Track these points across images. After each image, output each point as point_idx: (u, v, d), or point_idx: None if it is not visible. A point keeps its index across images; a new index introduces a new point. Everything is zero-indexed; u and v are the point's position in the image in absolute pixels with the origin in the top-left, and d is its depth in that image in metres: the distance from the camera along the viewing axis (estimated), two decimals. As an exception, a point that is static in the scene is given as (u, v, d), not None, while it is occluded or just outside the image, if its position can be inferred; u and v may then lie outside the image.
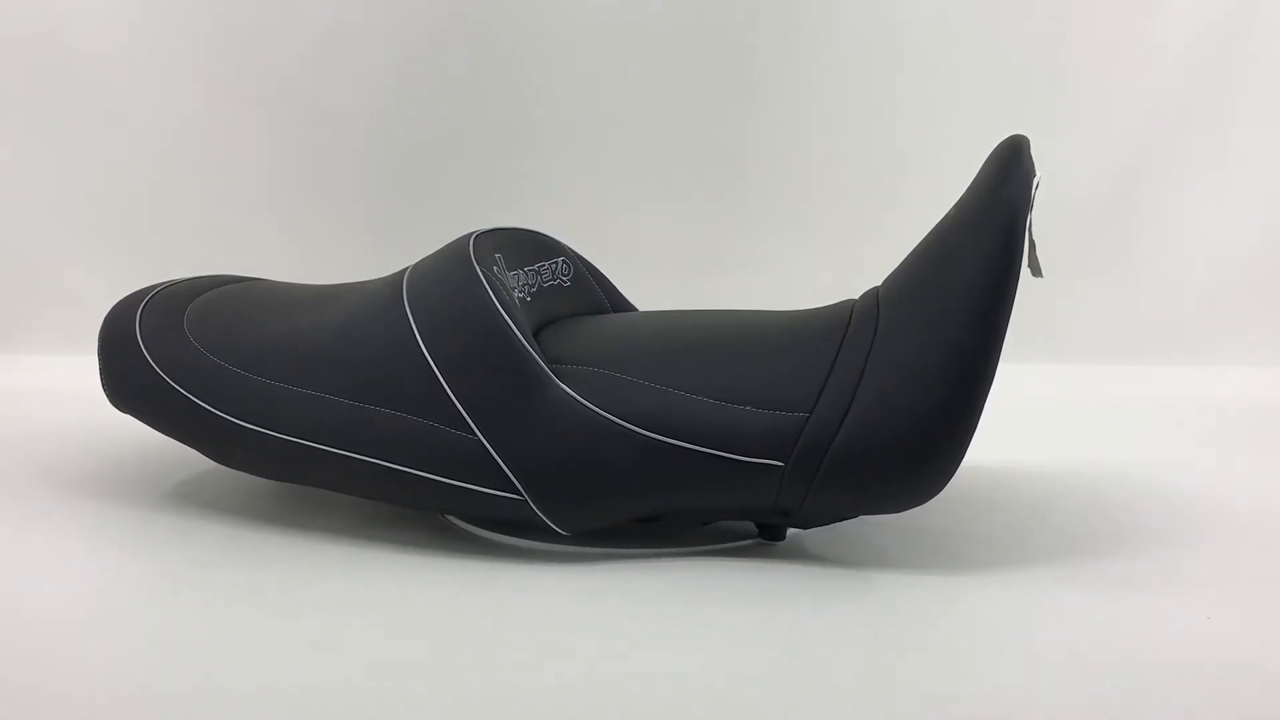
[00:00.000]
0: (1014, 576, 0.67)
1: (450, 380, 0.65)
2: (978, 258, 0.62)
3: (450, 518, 0.74)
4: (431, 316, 0.67)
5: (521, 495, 0.65)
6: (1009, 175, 0.62)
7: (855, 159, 1.23)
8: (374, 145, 1.23)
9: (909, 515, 0.71)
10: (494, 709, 0.52)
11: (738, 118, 1.22)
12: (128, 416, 0.75)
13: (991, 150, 0.66)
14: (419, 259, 0.74)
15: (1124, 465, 0.89)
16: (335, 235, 1.25)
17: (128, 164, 1.22)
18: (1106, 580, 0.66)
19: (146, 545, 0.71)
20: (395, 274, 0.73)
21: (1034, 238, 0.63)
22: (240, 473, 0.74)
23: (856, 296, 0.71)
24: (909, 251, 0.70)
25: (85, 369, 0.76)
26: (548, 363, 0.66)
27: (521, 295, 0.74)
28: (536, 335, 0.71)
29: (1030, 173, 0.62)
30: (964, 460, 0.63)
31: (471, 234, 0.72)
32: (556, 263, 0.79)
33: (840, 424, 0.63)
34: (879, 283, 0.71)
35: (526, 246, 0.78)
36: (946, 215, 0.68)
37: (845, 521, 0.70)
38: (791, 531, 0.71)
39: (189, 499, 0.78)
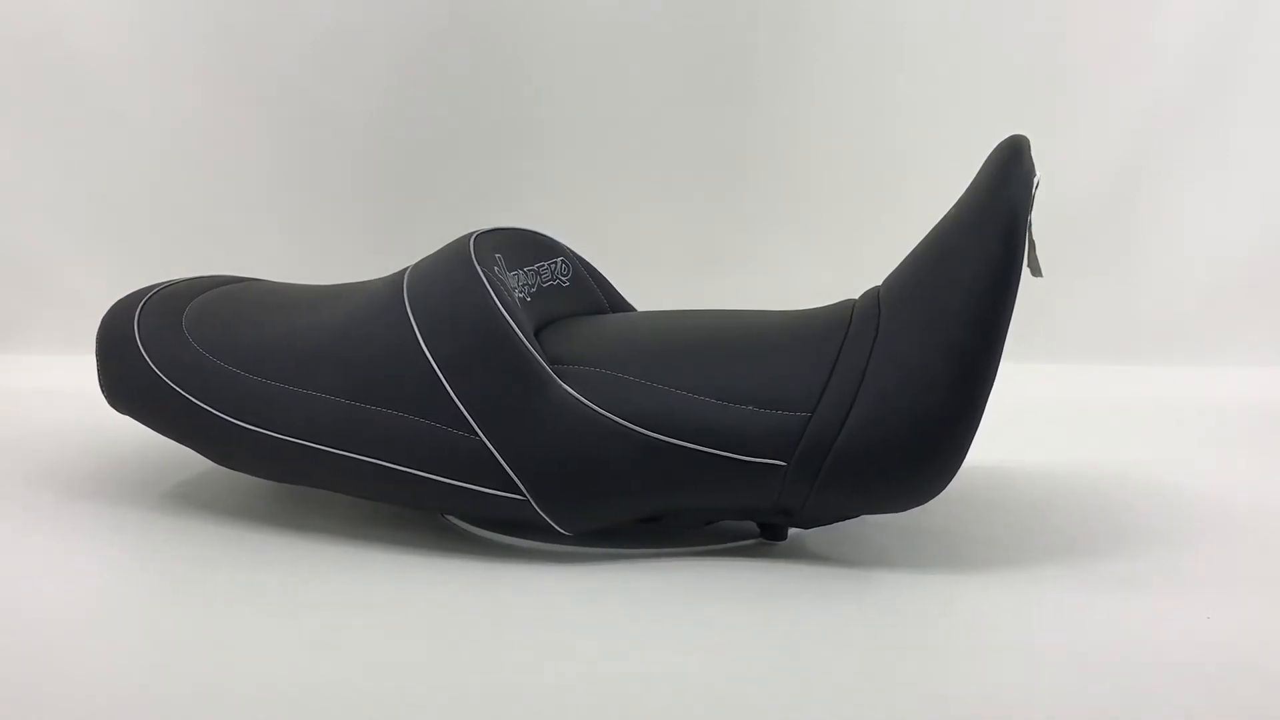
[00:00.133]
0: (1014, 576, 0.67)
1: (451, 380, 0.65)
2: (979, 258, 0.62)
3: (450, 518, 0.74)
4: (432, 316, 0.67)
5: (523, 495, 0.65)
6: (1009, 175, 0.62)
7: (855, 159, 1.23)
8: (374, 145, 1.23)
9: (910, 515, 0.71)
10: (494, 709, 0.52)
11: (738, 118, 1.22)
12: (126, 417, 0.75)
13: (991, 150, 0.66)
14: (419, 259, 0.74)
15: (1124, 465, 0.89)
16: (335, 235, 1.25)
17: (128, 164, 1.22)
18: (1106, 580, 0.66)
19: (146, 545, 0.71)
20: (395, 274, 0.73)
21: (1034, 237, 0.63)
22: (239, 473, 0.74)
23: (856, 296, 0.71)
24: (909, 251, 0.70)
25: (85, 369, 0.76)
26: (549, 363, 0.66)
27: (522, 295, 0.74)
28: (536, 335, 0.71)
29: (1030, 173, 0.62)
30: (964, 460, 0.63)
31: (472, 234, 0.72)
32: (556, 263, 0.79)
33: (842, 424, 0.63)
34: (879, 283, 0.71)
35: (526, 246, 0.78)
36: (946, 215, 0.68)
37: (846, 521, 0.70)
38: (793, 531, 0.71)
39: (188, 499, 0.78)
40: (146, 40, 1.19)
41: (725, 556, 0.69)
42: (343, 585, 0.65)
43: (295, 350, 0.70)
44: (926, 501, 0.65)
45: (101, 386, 0.75)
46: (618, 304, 0.83)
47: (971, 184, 0.67)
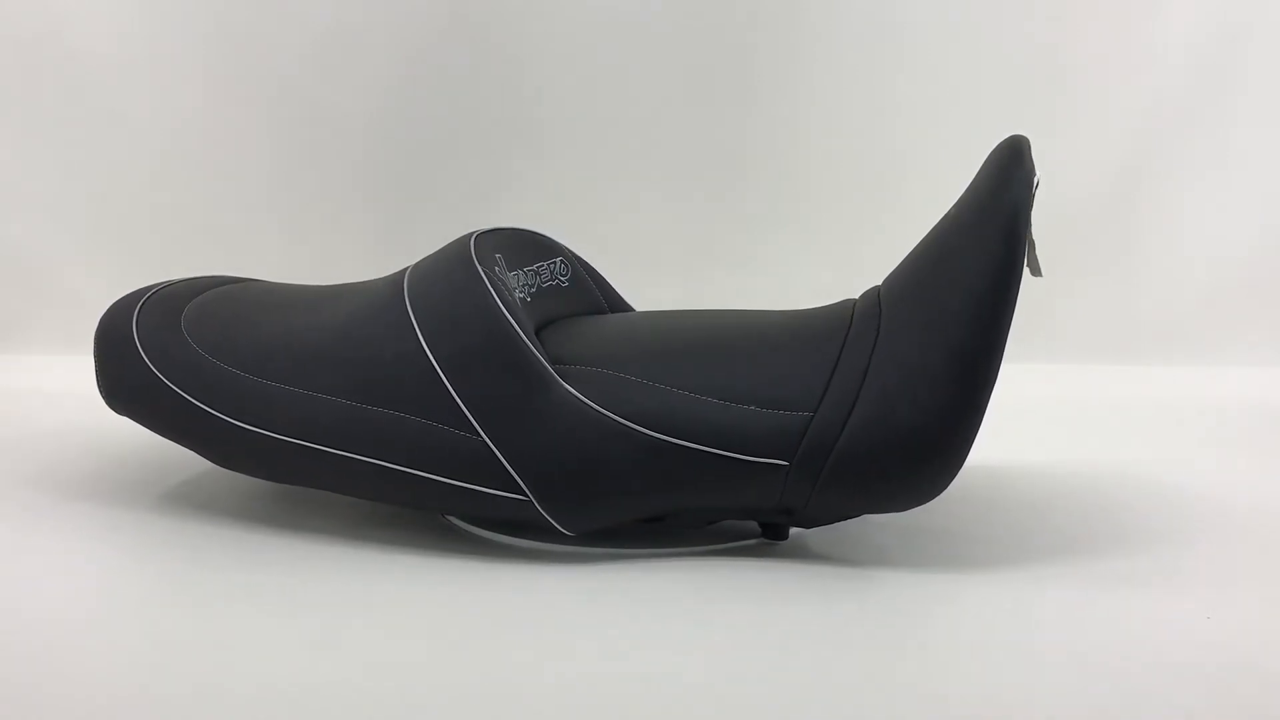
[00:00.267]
0: (1014, 576, 0.67)
1: (453, 380, 0.65)
2: (980, 258, 0.62)
3: (450, 518, 0.74)
4: (433, 316, 0.67)
5: (526, 496, 0.65)
6: (1010, 176, 0.62)
7: (855, 159, 1.23)
8: (374, 145, 1.23)
9: (911, 515, 0.71)
10: (494, 709, 0.52)
11: (737, 118, 1.23)
12: (125, 418, 0.75)
13: (991, 150, 0.66)
14: (419, 259, 0.74)
15: (1124, 465, 0.89)
16: (335, 235, 1.25)
17: (128, 164, 1.22)
18: (1106, 580, 0.66)
19: (145, 546, 0.71)
20: (395, 274, 0.73)
21: (1033, 237, 0.63)
22: (238, 474, 0.74)
23: (856, 296, 0.71)
24: (909, 251, 0.70)
25: (85, 369, 0.76)
26: (550, 363, 0.66)
27: (522, 295, 0.74)
28: (536, 336, 0.71)
29: (1031, 173, 0.62)
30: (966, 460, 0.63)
31: (472, 234, 0.72)
32: (555, 263, 0.79)
33: (844, 424, 0.63)
34: (878, 282, 0.71)
35: (525, 247, 0.78)
36: (947, 215, 0.68)
37: (848, 521, 0.70)
38: (794, 530, 0.71)
39: (187, 499, 0.78)
40: (146, 40, 1.19)
41: (727, 556, 0.69)
42: (343, 585, 0.65)
43: (295, 350, 0.70)
44: (928, 501, 0.65)
45: (100, 387, 0.75)
46: (616, 304, 0.83)
47: (971, 184, 0.67)
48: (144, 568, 0.69)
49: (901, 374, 0.63)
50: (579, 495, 0.65)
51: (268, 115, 1.22)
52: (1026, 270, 0.62)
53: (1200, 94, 1.20)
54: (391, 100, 1.22)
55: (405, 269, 0.73)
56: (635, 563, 0.68)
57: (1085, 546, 0.72)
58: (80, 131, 1.20)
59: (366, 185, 1.24)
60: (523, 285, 0.75)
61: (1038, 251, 0.64)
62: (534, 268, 0.77)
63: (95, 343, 0.75)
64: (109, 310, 0.76)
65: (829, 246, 1.24)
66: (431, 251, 0.74)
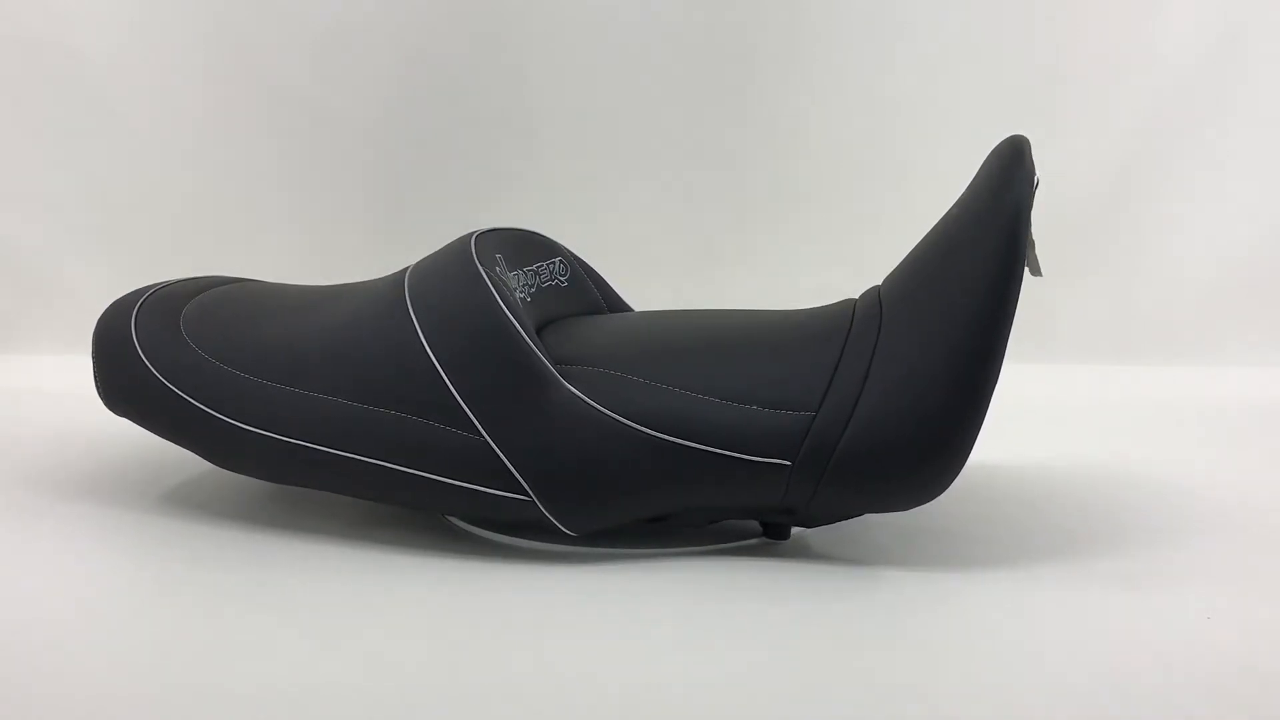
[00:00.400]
0: (1014, 576, 0.67)
1: (454, 380, 0.65)
2: (981, 258, 0.62)
3: (450, 518, 0.74)
4: (435, 316, 0.67)
5: (529, 496, 0.65)
6: (1011, 176, 0.62)
7: (855, 159, 1.23)
8: (374, 145, 1.23)
9: (911, 514, 0.71)
10: (494, 709, 0.52)
11: (737, 117, 1.23)
12: (124, 419, 0.75)
13: (991, 150, 0.66)
14: (419, 259, 0.74)
15: (1124, 465, 0.89)
16: (335, 235, 1.25)
17: (128, 164, 1.22)
18: (1106, 580, 0.66)
19: (145, 546, 0.71)
20: (396, 274, 0.73)
21: (1033, 237, 0.63)
22: (238, 474, 0.74)
23: (856, 296, 0.72)
24: (908, 251, 0.70)
25: (84, 369, 0.76)
26: (552, 363, 0.66)
27: (522, 295, 0.74)
28: (537, 335, 0.71)
29: (1031, 172, 0.62)
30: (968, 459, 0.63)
31: (472, 234, 0.72)
32: (554, 263, 0.79)
33: (846, 423, 0.63)
34: (878, 282, 0.71)
35: (525, 247, 0.78)
36: (947, 215, 0.68)
37: (849, 520, 0.70)
38: (796, 530, 0.71)
39: (187, 500, 0.78)
40: (146, 40, 1.19)
41: (728, 556, 0.69)
42: (343, 585, 0.65)
43: (295, 351, 0.70)
44: (930, 500, 0.65)
45: (98, 388, 0.75)
46: (615, 304, 0.83)
47: (971, 184, 0.67)
48: (144, 568, 0.69)
49: (903, 374, 0.63)
50: (582, 495, 0.65)
51: (267, 115, 1.22)
52: (1026, 270, 0.63)
53: (1200, 94, 1.20)
54: (391, 100, 1.22)
55: (405, 269, 0.73)
56: (635, 563, 0.68)
57: (1085, 546, 0.72)
58: (80, 131, 1.20)
59: (366, 185, 1.24)
60: (523, 285, 0.75)
61: (1037, 251, 0.64)
62: (533, 268, 0.77)
63: (93, 344, 0.75)
64: (107, 311, 0.76)
65: (828, 246, 1.24)
66: (431, 251, 0.74)
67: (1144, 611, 0.62)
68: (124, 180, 1.22)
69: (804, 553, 0.70)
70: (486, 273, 0.67)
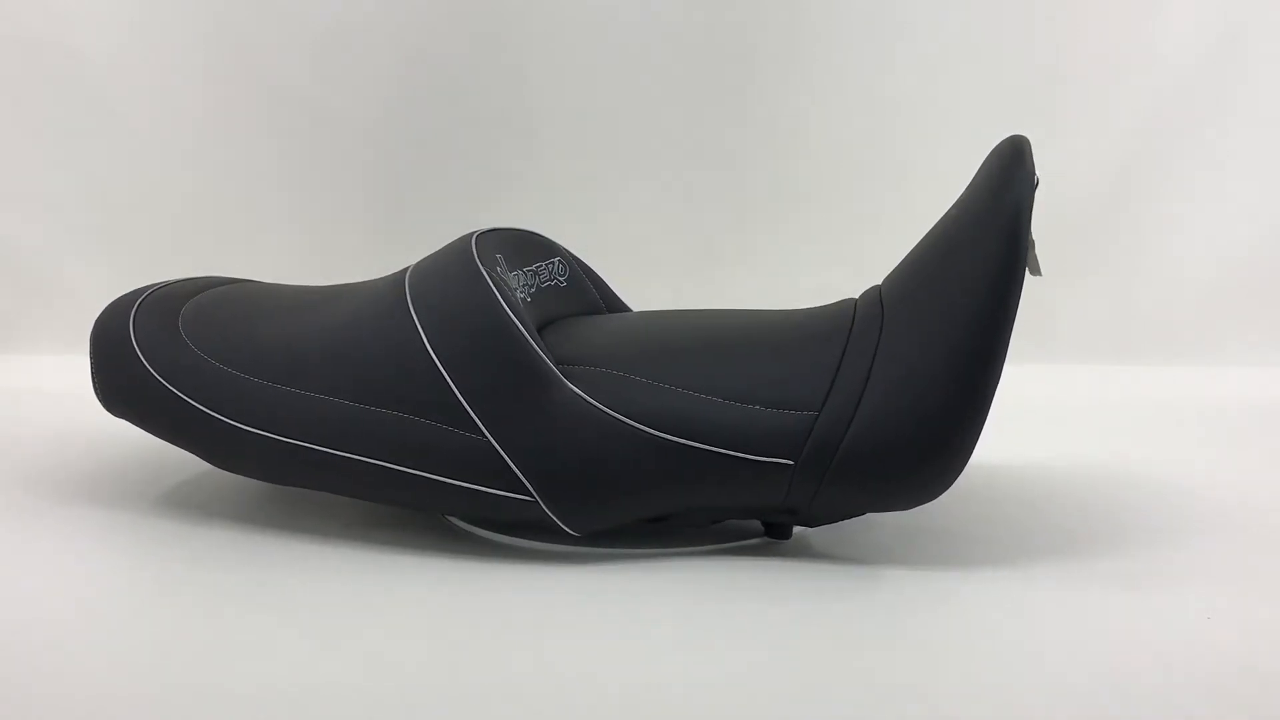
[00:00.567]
0: (1014, 575, 0.67)
1: (457, 380, 0.65)
2: (982, 258, 0.62)
3: (450, 518, 0.74)
4: (436, 315, 0.67)
5: (532, 496, 0.65)
6: (1011, 176, 0.62)
7: (854, 159, 1.23)
8: (373, 145, 1.23)
9: (912, 514, 0.71)
10: (494, 709, 0.52)
11: (737, 117, 1.22)
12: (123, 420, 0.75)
13: (991, 150, 0.66)
14: (418, 259, 0.74)
15: (1124, 465, 0.89)
16: (336, 235, 1.25)
17: (128, 164, 1.22)
18: (1106, 579, 0.66)
19: (145, 546, 0.71)
20: (395, 274, 0.73)
21: (1033, 237, 0.63)
22: (238, 475, 0.74)
23: (856, 296, 0.72)
24: (908, 251, 0.70)
25: (84, 369, 0.76)
26: (554, 363, 0.66)
27: (522, 295, 0.74)
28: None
29: (1032, 172, 0.62)
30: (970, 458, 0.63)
31: (473, 234, 0.72)
32: (553, 263, 0.79)
33: (849, 423, 0.63)
34: (878, 281, 0.71)
35: (524, 247, 0.77)
36: (947, 214, 0.68)
37: (850, 519, 0.70)
38: (798, 529, 0.71)
39: (188, 500, 0.78)
40: (146, 40, 1.19)
41: (728, 555, 0.69)
42: (342, 585, 0.65)
43: (295, 351, 0.70)
44: (933, 499, 0.65)
45: (96, 389, 0.74)
46: (614, 304, 0.83)
47: (971, 184, 0.67)
48: (143, 568, 0.69)
49: (905, 373, 0.63)
50: (585, 495, 0.65)
51: (267, 115, 1.22)
52: (1026, 270, 0.62)
53: (1200, 94, 1.20)
54: (391, 100, 1.22)
55: (405, 269, 0.73)
56: (636, 563, 0.68)
57: (1085, 546, 0.72)
58: (80, 131, 1.20)
59: (366, 185, 1.24)
60: (523, 285, 0.75)
61: (1037, 251, 0.64)
62: (533, 268, 0.77)
63: (91, 345, 0.74)
64: (105, 312, 0.76)
65: (828, 246, 1.24)
66: (431, 251, 0.74)
67: (1144, 611, 0.62)
68: (124, 180, 1.22)
69: (804, 552, 0.70)
70: (488, 272, 0.67)
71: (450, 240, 0.73)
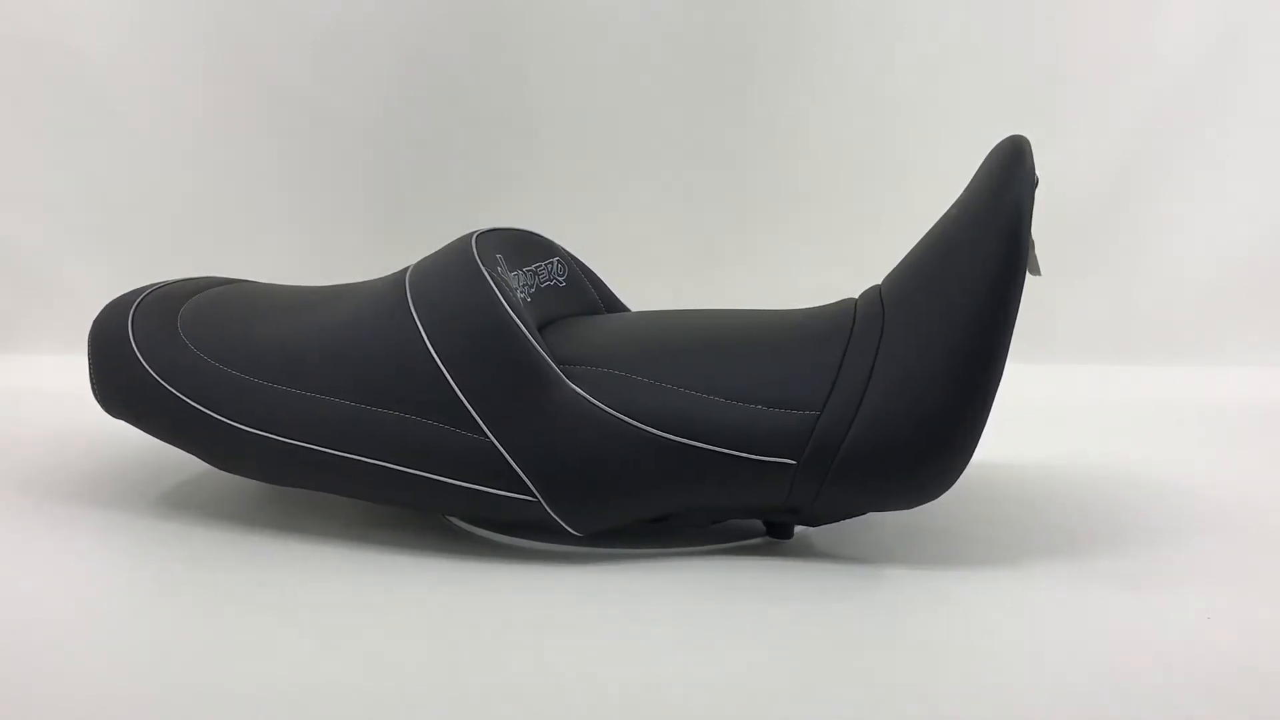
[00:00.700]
0: (1014, 575, 0.67)
1: (458, 380, 0.65)
2: (983, 258, 0.62)
3: (451, 518, 0.74)
4: (437, 315, 0.66)
5: (534, 496, 0.65)
6: (1011, 175, 0.62)
7: (854, 158, 1.23)
8: (374, 146, 1.23)
9: (912, 514, 0.71)
10: (494, 709, 0.52)
11: (737, 117, 1.22)
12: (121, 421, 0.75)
13: (991, 150, 0.66)
14: (418, 259, 0.74)
15: (1124, 465, 0.89)
16: (336, 235, 1.25)
17: (128, 164, 1.22)
18: (1106, 579, 0.66)
19: (144, 547, 0.71)
20: (395, 274, 0.73)
21: (1032, 237, 0.63)
22: (237, 475, 0.74)
23: (856, 296, 0.72)
24: (908, 251, 0.70)
25: (83, 369, 0.76)
26: (555, 363, 0.66)
27: (523, 296, 0.74)
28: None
29: (1032, 172, 0.62)
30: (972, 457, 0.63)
31: (473, 233, 0.72)
32: (552, 263, 0.79)
33: (850, 423, 0.63)
34: (878, 281, 0.71)
35: (524, 247, 0.77)
36: (947, 214, 0.68)
37: (851, 519, 0.70)
38: (799, 529, 0.71)
39: (188, 499, 0.78)
40: (146, 40, 1.19)
41: (728, 555, 0.69)
42: (342, 585, 0.65)
43: (296, 351, 0.70)
44: (935, 498, 0.65)
45: (94, 390, 0.74)
46: (612, 304, 0.83)
47: (971, 184, 0.67)
48: (143, 568, 0.69)
49: (906, 373, 0.63)
50: (587, 495, 0.65)
51: (267, 115, 1.22)
52: (1027, 270, 0.63)
53: (1200, 94, 1.20)
54: (391, 100, 1.22)
55: (405, 269, 0.72)
56: (636, 563, 0.68)
57: (1085, 546, 0.72)
58: (80, 131, 1.20)
59: (366, 185, 1.24)
60: (523, 285, 0.75)
61: (1037, 251, 0.64)
62: (532, 268, 0.77)
63: (89, 345, 0.74)
64: (103, 312, 0.76)
65: (828, 246, 1.24)
66: (431, 251, 0.74)
67: (1144, 611, 0.62)
68: (124, 180, 1.22)
69: (804, 552, 0.70)
70: (489, 272, 0.67)
71: (450, 240, 0.73)
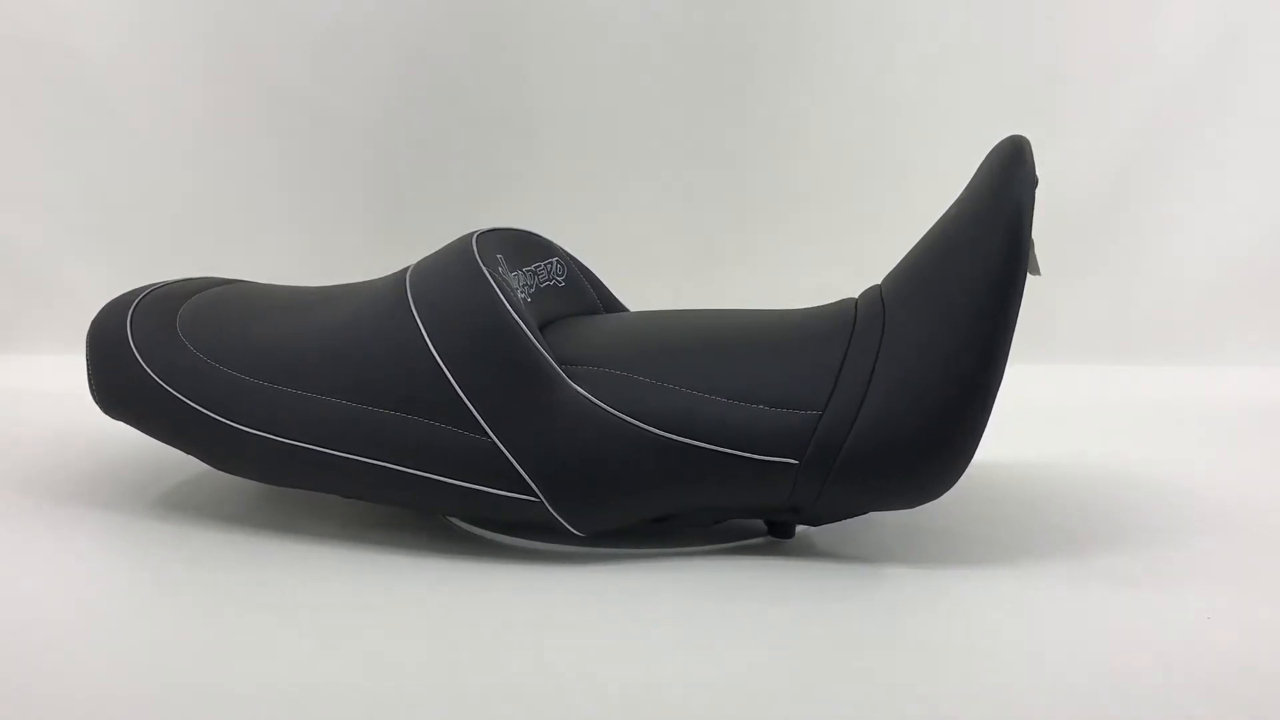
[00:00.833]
0: (1014, 575, 0.67)
1: (460, 381, 0.65)
2: (983, 257, 0.62)
3: (451, 518, 0.74)
4: (438, 315, 0.66)
5: (537, 497, 0.65)
6: (1011, 175, 0.62)
7: (854, 158, 1.23)
8: (374, 146, 1.23)
9: (912, 514, 0.71)
10: (494, 709, 0.52)
11: (736, 117, 1.22)
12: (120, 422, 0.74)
13: (991, 150, 0.66)
14: (418, 259, 0.74)
15: (1123, 465, 0.89)
16: (336, 235, 1.25)
17: (127, 164, 1.22)
18: (1106, 579, 0.66)
19: (144, 547, 0.71)
20: (396, 274, 0.73)
21: (1032, 236, 0.63)
22: (237, 476, 0.74)
23: (855, 295, 0.72)
24: (907, 250, 0.70)
25: (82, 369, 0.75)
26: (557, 363, 0.66)
27: (523, 296, 0.74)
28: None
29: (1032, 172, 0.62)
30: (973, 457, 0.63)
31: (473, 233, 0.72)
32: (551, 263, 0.79)
33: (852, 423, 0.63)
34: (877, 281, 0.71)
35: (524, 247, 0.77)
36: (946, 214, 0.68)
37: (853, 518, 0.70)
38: (800, 528, 0.71)
39: (188, 499, 0.78)
40: (146, 40, 1.19)
41: (729, 555, 0.69)
42: (342, 585, 0.65)
43: (296, 352, 0.69)
44: (937, 497, 0.66)
45: (92, 391, 0.74)
46: (611, 304, 0.83)
47: (971, 183, 0.67)
48: (143, 568, 0.69)
49: (907, 373, 0.63)
50: (590, 496, 0.65)
51: (267, 115, 1.22)
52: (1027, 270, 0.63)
53: (1200, 94, 1.20)
54: (391, 100, 1.22)
55: (405, 269, 0.72)
56: (635, 563, 0.68)
57: (1085, 546, 0.72)
58: (80, 131, 1.20)
59: (366, 185, 1.24)
60: (523, 285, 0.75)
61: (1037, 251, 0.64)
62: (532, 268, 0.77)
63: (88, 346, 0.74)
64: (101, 313, 0.75)
65: (829, 246, 1.24)
66: (431, 251, 0.74)
67: (1144, 611, 0.62)
68: (124, 180, 1.22)
69: (804, 551, 0.70)
70: (490, 272, 0.67)
71: (450, 240, 0.73)
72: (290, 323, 0.73)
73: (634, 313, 0.82)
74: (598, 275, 0.83)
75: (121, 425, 0.75)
